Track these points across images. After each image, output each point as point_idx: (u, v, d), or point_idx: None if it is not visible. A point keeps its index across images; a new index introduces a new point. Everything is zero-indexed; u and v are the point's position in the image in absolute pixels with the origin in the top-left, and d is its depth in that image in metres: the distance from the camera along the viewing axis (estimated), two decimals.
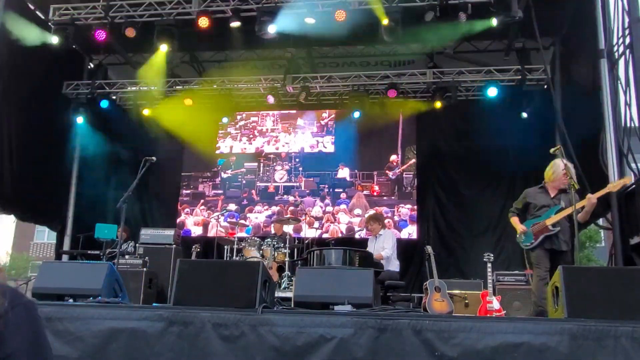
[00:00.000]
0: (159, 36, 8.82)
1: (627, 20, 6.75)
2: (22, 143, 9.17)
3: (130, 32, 8.87)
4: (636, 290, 3.98)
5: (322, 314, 3.99)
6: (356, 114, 10.45)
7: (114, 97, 10.98)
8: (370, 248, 7.88)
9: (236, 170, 11.49)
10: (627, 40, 6.70)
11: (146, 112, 10.80)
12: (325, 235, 10.57)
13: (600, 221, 8.08)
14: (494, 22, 8.00)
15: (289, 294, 6.59)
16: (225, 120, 11.22)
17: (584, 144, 7.42)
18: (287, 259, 8.27)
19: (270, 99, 10.37)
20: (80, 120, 10.59)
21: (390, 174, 10.84)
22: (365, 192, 10.85)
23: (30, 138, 9.39)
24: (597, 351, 3.52)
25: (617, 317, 3.71)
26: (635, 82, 6.46)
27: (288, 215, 10.30)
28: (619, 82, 6.89)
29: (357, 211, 10.73)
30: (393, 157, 10.89)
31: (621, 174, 6.65)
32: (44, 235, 30.31)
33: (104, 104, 10.72)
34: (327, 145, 11.31)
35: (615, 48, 7.02)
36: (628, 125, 6.70)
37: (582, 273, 4.50)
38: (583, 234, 18.39)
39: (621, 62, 6.91)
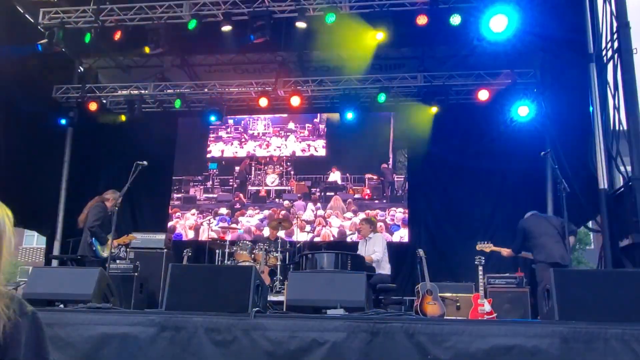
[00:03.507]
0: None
1: (615, 24, 6.80)
2: (11, 147, 9.10)
3: (117, 36, 8.84)
4: (625, 292, 4.02)
5: (315, 318, 3.99)
6: (347, 118, 10.46)
7: (104, 101, 10.93)
8: (360, 251, 7.89)
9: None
10: (616, 44, 6.75)
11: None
12: (317, 239, 10.56)
13: (590, 224, 8.14)
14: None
15: (281, 298, 6.58)
16: (214, 119, 11.01)
17: (573, 148, 7.47)
18: (279, 262, 8.26)
19: (262, 103, 10.37)
20: (70, 124, 10.52)
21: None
22: (356, 196, 10.86)
23: (20, 142, 9.32)
24: (587, 353, 3.55)
25: (607, 319, 3.74)
26: (624, 86, 6.51)
27: (279, 219, 10.29)
28: (607, 86, 6.95)
29: (349, 214, 10.75)
30: (383, 165, 10.94)
31: (610, 177, 6.71)
32: (33, 240, 29.99)
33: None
34: (319, 148, 11.32)
35: (604, 52, 7.07)
36: (617, 128, 6.75)
37: (573, 275, 4.54)
38: None
39: (610, 66, 6.97)
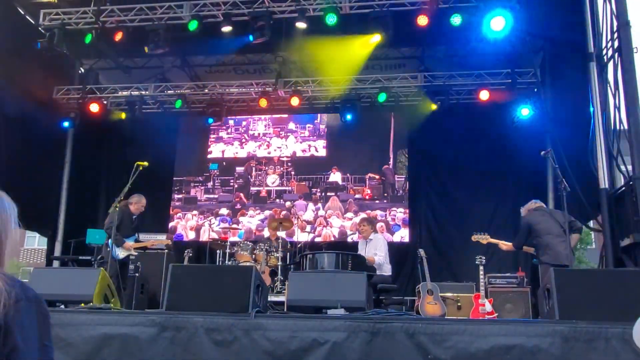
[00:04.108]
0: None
1: (615, 23, 6.80)
2: (12, 148, 9.11)
3: (118, 36, 8.85)
4: (626, 291, 4.02)
5: (315, 318, 3.99)
6: (348, 118, 10.46)
7: (105, 102, 10.92)
8: (360, 251, 7.88)
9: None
10: (616, 43, 6.75)
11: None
12: (317, 239, 10.56)
13: (591, 223, 8.14)
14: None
15: (282, 298, 6.58)
16: (210, 120, 11.05)
17: (574, 147, 7.47)
18: (279, 263, 8.26)
19: (262, 103, 10.37)
20: (70, 125, 10.53)
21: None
22: (357, 196, 10.86)
23: (21, 143, 9.33)
24: (588, 352, 3.55)
25: (608, 318, 3.73)
26: (624, 85, 6.51)
27: (280, 219, 10.27)
28: (608, 85, 6.94)
29: (349, 214, 10.74)
30: (385, 166, 10.93)
31: (611, 177, 6.71)
32: (34, 241, 30.03)
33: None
34: (319, 149, 11.32)
35: (604, 51, 7.07)
36: (617, 128, 6.75)
37: (574, 275, 4.54)
38: None
39: (610, 66, 6.97)
